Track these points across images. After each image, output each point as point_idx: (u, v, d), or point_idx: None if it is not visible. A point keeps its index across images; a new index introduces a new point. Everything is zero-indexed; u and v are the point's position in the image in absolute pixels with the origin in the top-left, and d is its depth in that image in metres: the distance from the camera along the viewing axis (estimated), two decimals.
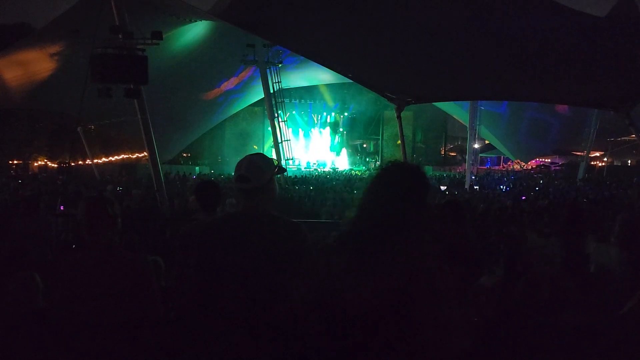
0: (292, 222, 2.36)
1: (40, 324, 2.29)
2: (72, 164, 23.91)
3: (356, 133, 38.38)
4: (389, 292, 1.61)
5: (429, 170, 35.61)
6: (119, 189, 15.61)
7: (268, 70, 19.77)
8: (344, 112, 37.21)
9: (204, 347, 2.27)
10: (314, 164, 35.30)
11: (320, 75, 25.85)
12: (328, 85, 31.73)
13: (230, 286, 2.24)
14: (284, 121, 20.87)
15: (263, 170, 2.36)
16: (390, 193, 1.74)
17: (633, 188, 5.16)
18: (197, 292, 2.31)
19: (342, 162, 37.31)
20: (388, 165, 1.84)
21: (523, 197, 12.91)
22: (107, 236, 2.30)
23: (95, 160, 23.52)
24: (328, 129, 37.52)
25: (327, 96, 34.68)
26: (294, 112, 34.66)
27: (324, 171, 32.05)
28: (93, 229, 2.29)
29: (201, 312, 2.32)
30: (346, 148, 38.20)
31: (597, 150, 33.06)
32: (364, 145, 40.23)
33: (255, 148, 32.79)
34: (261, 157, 2.45)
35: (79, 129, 20.21)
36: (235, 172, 2.37)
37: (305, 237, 2.31)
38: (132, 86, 10.45)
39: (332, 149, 37.56)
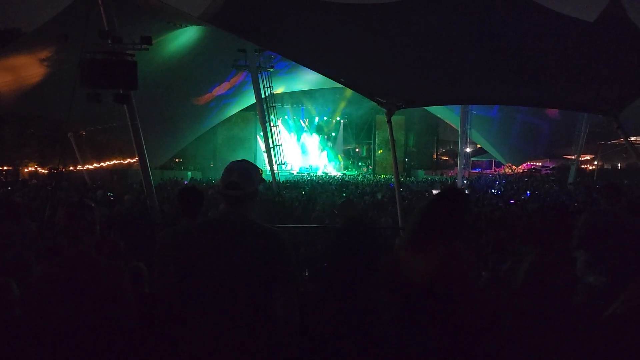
0: (270, 229, 2.36)
1: (14, 331, 2.26)
2: (63, 169, 23.77)
3: (348, 138, 38.45)
4: (435, 273, 2.37)
5: (421, 174, 35.70)
6: (110, 195, 15.53)
7: (259, 75, 19.78)
8: (336, 117, 37.27)
9: (184, 350, 2.26)
10: (306, 168, 35.30)
11: (312, 80, 25.88)
12: (320, 90, 31.75)
13: (211, 290, 2.23)
14: (276, 126, 20.88)
15: (253, 178, 2.38)
16: (444, 211, 2.48)
17: (600, 190, 5.14)
18: (177, 296, 2.30)
19: (334, 167, 37.35)
20: (446, 190, 2.61)
21: (512, 201, 12.96)
22: (84, 242, 2.27)
23: (86, 166, 23.37)
24: (320, 133, 37.57)
25: (319, 101, 34.71)
26: (285, 116, 34.66)
27: (316, 176, 32.05)
28: (71, 234, 2.27)
29: (182, 316, 2.31)
30: (338, 153, 38.25)
31: (587, 153, 33.31)
32: (357, 150, 40.30)
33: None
34: (250, 164, 2.47)
35: (69, 134, 20.08)
36: (224, 179, 2.36)
37: (283, 244, 2.32)
38: (121, 91, 10.38)
39: (323, 153, 37.59)
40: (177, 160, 33.52)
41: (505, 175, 33.31)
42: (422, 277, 2.41)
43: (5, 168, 27.70)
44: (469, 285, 2.39)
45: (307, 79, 25.62)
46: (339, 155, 38.32)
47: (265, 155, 21.58)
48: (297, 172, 33.65)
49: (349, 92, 29.71)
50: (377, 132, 37.42)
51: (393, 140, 9.14)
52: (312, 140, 37.27)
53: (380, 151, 37.08)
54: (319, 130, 37.49)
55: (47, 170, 26.66)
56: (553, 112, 26.57)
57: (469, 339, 2.37)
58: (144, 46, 10.42)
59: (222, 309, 2.22)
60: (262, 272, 2.24)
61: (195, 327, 2.24)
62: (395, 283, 2.57)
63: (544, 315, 2.59)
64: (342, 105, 35.44)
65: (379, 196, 17.70)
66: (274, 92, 20.70)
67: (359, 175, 33.49)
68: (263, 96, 19.88)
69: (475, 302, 2.39)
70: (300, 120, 36.56)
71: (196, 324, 2.24)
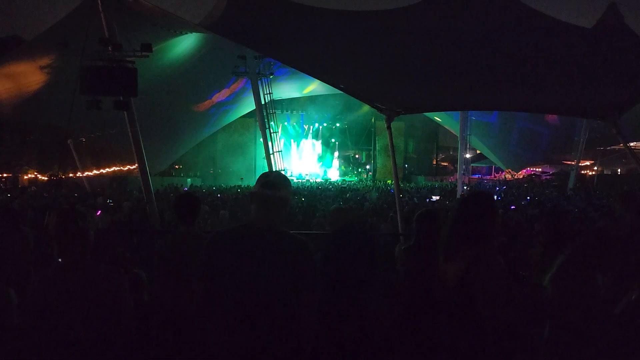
0: (299, 238, 2.40)
1: (13, 339, 2.25)
2: (63, 176, 23.77)
3: (348, 144, 38.49)
4: (462, 273, 2.48)
5: (421, 180, 35.70)
6: (109, 202, 15.50)
7: (259, 82, 19.81)
8: (335, 123, 37.31)
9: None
10: (306, 174, 35.29)
11: (311, 86, 25.96)
12: (320, 96, 31.82)
13: (238, 297, 2.26)
14: (276, 132, 20.89)
15: (287, 184, 2.44)
16: (470, 216, 2.57)
17: (615, 198, 5.25)
18: (203, 299, 2.31)
19: (334, 173, 37.34)
20: (471, 194, 2.75)
21: (513, 207, 12.94)
22: (77, 250, 2.26)
23: (86, 173, 23.35)
24: (320, 139, 37.60)
25: (319, 107, 34.78)
26: (285, 123, 34.70)
27: (315, 182, 32.04)
28: (63, 242, 2.26)
29: (205, 319, 2.33)
30: (338, 159, 38.27)
31: (587, 159, 33.33)
32: (356, 156, 40.32)
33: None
34: (284, 174, 2.58)
35: (69, 141, 20.09)
36: (260, 180, 2.41)
37: (311, 253, 2.37)
38: (121, 98, 10.39)
39: (323, 160, 37.59)
40: (176, 166, 33.52)
41: (505, 181, 33.32)
42: (451, 281, 2.53)
43: (4, 175, 27.69)
44: (495, 288, 2.43)
45: (307, 85, 25.71)
46: (339, 162, 38.34)
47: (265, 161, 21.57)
48: (296, 179, 33.66)
49: (348, 98, 29.76)
50: (376, 138, 37.47)
51: (393, 147, 9.12)
52: (313, 146, 37.30)
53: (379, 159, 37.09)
54: (318, 136, 37.53)
55: (47, 177, 26.65)
56: (552, 118, 26.65)
57: (494, 342, 2.43)
58: (144, 53, 10.43)
59: (248, 316, 2.23)
60: (290, 280, 2.27)
61: (217, 332, 2.26)
62: (428, 288, 2.75)
63: (573, 324, 2.58)
64: (342, 111, 35.53)
65: (374, 194, 17.73)
66: (274, 99, 20.68)
67: (358, 182, 33.49)
68: (263, 102, 19.90)
69: (501, 305, 2.43)
70: (304, 126, 36.61)
71: (218, 329, 2.26)
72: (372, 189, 24.01)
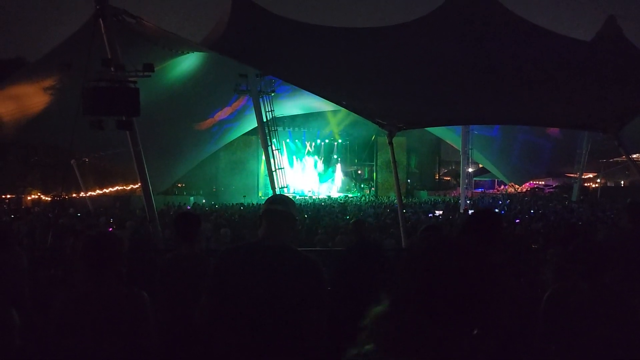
0: (308, 256, 2.42)
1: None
2: (66, 197, 23.81)
3: (350, 159, 38.52)
4: (466, 282, 2.22)
5: (424, 195, 35.62)
6: (111, 221, 15.49)
7: (261, 100, 19.91)
8: (337, 139, 37.39)
9: None
10: (309, 191, 35.25)
11: (313, 103, 26.08)
12: (321, 113, 31.93)
13: (248, 314, 2.25)
14: (278, 149, 20.94)
15: (295, 205, 2.54)
16: (478, 229, 2.72)
17: (619, 209, 5.36)
18: (211, 315, 2.31)
19: (337, 189, 37.31)
20: (479, 211, 2.91)
21: (517, 220, 12.87)
22: (101, 274, 2.25)
23: (89, 193, 23.39)
24: (322, 156, 37.65)
25: (321, 123, 34.88)
26: (287, 140, 34.77)
27: (318, 199, 31.99)
28: (91, 269, 2.24)
29: (212, 335, 2.32)
30: (341, 174, 38.28)
31: (589, 171, 33.26)
32: (359, 172, 40.32)
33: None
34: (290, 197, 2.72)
35: (72, 161, 20.17)
36: (269, 201, 2.52)
37: (321, 272, 2.39)
38: (124, 118, 10.45)
39: (326, 176, 37.59)
40: (179, 185, 33.54)
41: (508, 195, 33.24)
42: (460, 288, 2.63)
43: (8, 196, 27.76)
44: (504, 295, 2.52)
45: (308, 102, 25.83)
46: (342, 178, 38.33)
47: (267, 178, 21.59)
48: (299, 196, 33.60)
49: (350, 114, 29.88)
50: (378, 153, 37.50)
51: (395, 162, 9.14)
52: (315, 163, 37.33)
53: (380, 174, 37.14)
54: (320, 152, 37.58)
55: (51, 197, 26.70)
56: (554, 131, 26.66)
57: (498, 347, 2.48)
58: (147, 73, 10.52)
59: (256, 331, 2.23)
60: (299, 297, 2.27)
61: (224, 347, 2.25)
62: (435, 295, 2.88)
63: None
64: (343, 127, 35.63)
65: (370, 210, 17.74)
66: (276, 116, 20.76)
67: (361, 197, 33.41)
68: (265, 120, 19.98)
69: (507, 311, 2.51)
70: (308, 143, 36.67)
71: (225, 344, 2.25)
72: (378, 205, 23.95)
